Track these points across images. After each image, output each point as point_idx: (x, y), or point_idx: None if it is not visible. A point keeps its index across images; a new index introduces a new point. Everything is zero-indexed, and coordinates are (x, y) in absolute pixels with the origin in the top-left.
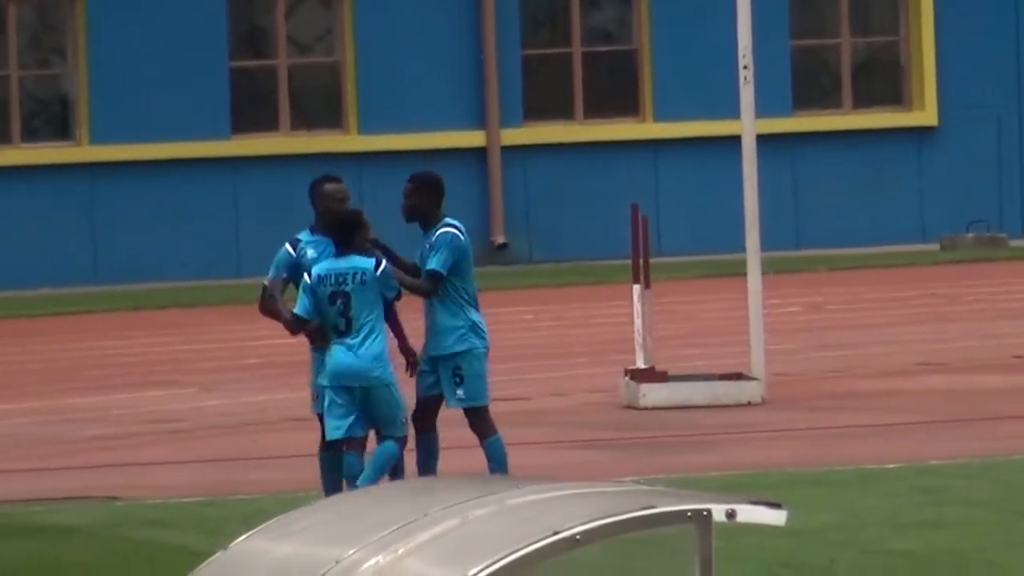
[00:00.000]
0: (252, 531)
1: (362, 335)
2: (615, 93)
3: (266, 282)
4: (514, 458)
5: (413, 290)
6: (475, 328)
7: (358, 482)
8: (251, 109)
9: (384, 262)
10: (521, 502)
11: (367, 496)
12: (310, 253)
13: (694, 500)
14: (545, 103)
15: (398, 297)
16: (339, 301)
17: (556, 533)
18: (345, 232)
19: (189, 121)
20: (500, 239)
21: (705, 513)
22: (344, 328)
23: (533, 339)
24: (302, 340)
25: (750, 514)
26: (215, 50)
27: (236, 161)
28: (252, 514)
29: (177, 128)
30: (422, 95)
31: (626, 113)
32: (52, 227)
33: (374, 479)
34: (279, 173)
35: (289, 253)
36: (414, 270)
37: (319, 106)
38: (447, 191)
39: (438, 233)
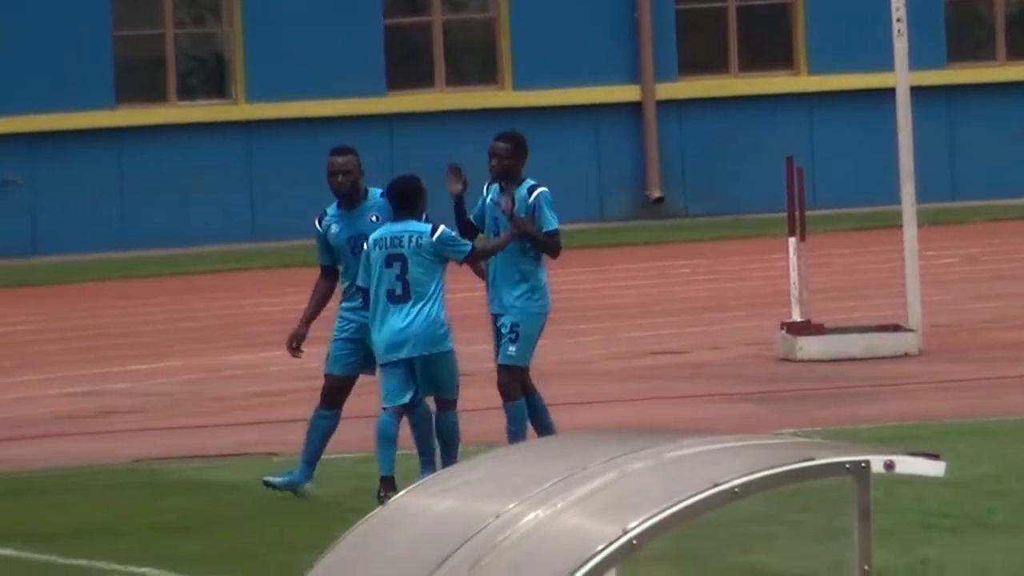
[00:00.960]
0: (410, 487)
1: (420, 301)
2: (769, 46)
3: (320, 262)
4: (673, 412)
5: (546, 248)
6: (543, 289)
7: (422, 473)
8: (406, 66)
9: (441, 228)
10: (680, 455)
11: (525, 451)
12: (333, 228)
13: (852, 452)
14: (700, 57)
15: (469, 259)
16: (396, 264)
17: (715, 486)
18: (402, 198)
19: (345, 78)
20: (656, 193)
21: (863, 465)
22: (401, 293)
23: (690, 293)
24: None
25: (909, 465)
26: (370, 7)
27: (391, 118)
28: (411, 470)
29: (333, 85)
30: (577, 50)
31: (780, 66)
32: (209, 185)
33: (453, 457)
34: (434, 129)
35: (317, 227)
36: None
37: (474, 62)
38: (604, 146)
39: (538, 192)
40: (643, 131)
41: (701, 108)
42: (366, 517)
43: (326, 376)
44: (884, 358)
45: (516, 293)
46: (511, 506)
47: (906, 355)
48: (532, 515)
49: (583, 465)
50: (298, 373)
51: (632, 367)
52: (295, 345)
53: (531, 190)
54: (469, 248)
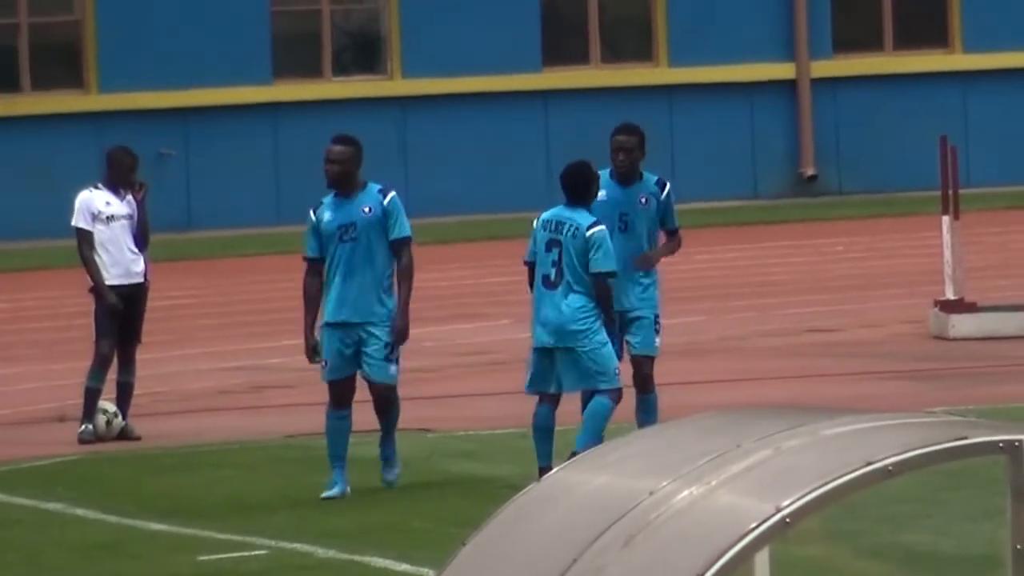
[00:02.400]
0: (566, 462)
1: (570, 290)
2: (924, 24)
3: (304, 254)
4: (826, 390)
5: (676, 249)
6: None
7: (575, 448)
8: (561, 42)
9: (598, 228)
10: (833, 433)
11: (680, 428)
12: (326, 216)
13: (1006, 431)
14: (854, 35)
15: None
16: (554, 250)
17: (869, 464)
18: (572, 184)
19: (499, 55)
20: (810, 171)
21: (1017, 444)
22: (554, 279)
23: (843, 270)
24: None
25: None
26: None
27: (546, 94)
28: (565, 446)
29: (488, 62)
30: (732, 27)
31: (935, 44)
32: (365, 160)
33: (596, 438)
34: (589, 106)
35: (311, 217)
36: None
37: (629, 39)
38: (758, 124)
39: (668, 189)
40: (797, 109)
41: (855, 86)
42: (521, 492)
43: (329, 384)
44: None
45: (643, 286)
46: (665, 483)
47: None
48: (686, 492)
49: (737, 443)
50: (452, 349)
51: (787, 344)
52: (316, 358)
53: (661, 184)
54: (609, 268)
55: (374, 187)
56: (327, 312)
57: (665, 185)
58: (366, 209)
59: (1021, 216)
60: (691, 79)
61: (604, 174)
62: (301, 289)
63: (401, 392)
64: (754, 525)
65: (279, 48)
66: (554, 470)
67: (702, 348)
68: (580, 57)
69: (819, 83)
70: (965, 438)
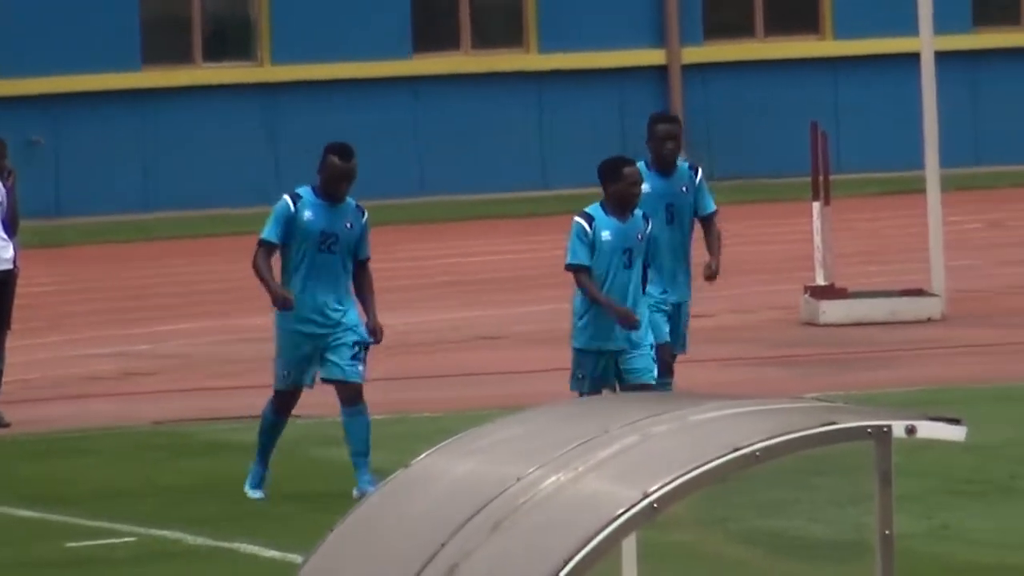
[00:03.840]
0: (433, 448)
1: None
2: (795, 10)
3: (264, 237)
4: (696, 375)
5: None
6: None
7: None
8: (431, 28)
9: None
10: (701, 419)
11: (548, 414)
12: (307, 215)
13: (874, 416)
14: (725, 21)
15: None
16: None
17: (736, 450)
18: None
19: (369, 41)
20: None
21: (885, 429)
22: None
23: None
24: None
25: (930, 430)
26: None
27: (416, 80)
28: (435, 432)
29: (358, 48)
30: (602, 13)
31: (806, 30)
32: (232, 147)
33: None
34: (459, 92)
35: (288, 207)
36: None
37: (499, 25)
38: (629, 110)
39: (700, 173)
40: (668, 95)
41: (726, 72)
42: (387, 478)
43: (283, 392)
44: (907, 323)
45: (688, 279)
46: (533, 469)
47: (929, 320)
48: (553, 478)
49: (605, 429)
50: None
51: None
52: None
53: (694, 169)
54: (567, 262)
55: (351, 200)
56: (295, 318)
57: (698, 170)
58: (348, 224)
59: (891, 202)
60: (561, 65)
61: (640, 166)
62: (256, 269)
63: (268, 379)
64: (622, 511)
65: (148, 34)
66: (421, 456)
67: (567, 335)
68: (450, 43)
69: (690, 69)
70: (833, 423)
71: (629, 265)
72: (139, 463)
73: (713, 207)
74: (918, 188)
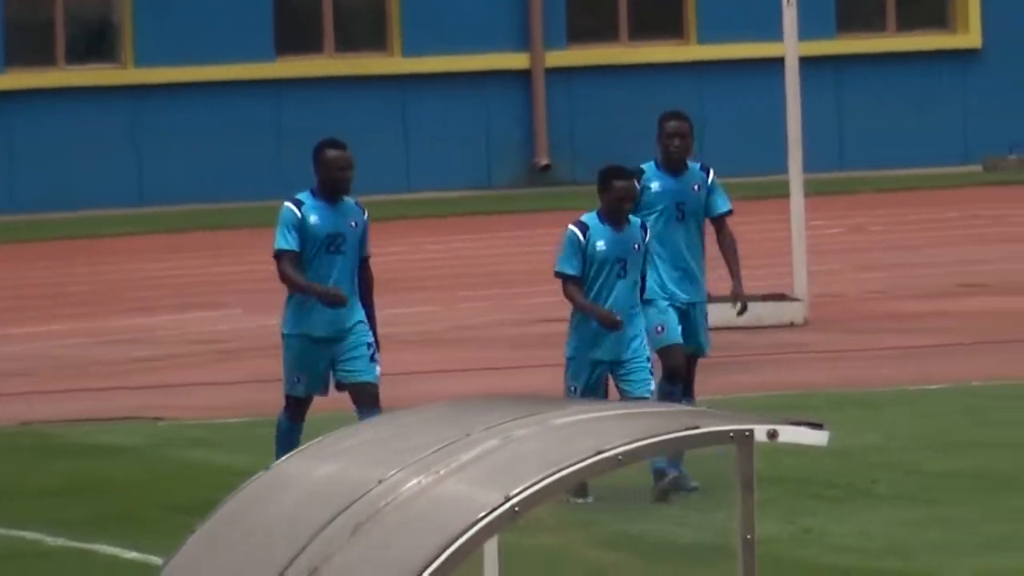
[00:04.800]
0: (295, 451)
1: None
2: (659, 15)
3: (284, 247)
4: (558, 380)
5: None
6: None
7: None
8: (295, 31)
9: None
10: (564, 422)
11: (411, 417)
12: (312, 219)
13: (736, 420)
14: (589, 25)
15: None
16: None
17: (599, 453)
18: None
19: (233, 44)
20: (543, 161)
21: (747, 433)
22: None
23: None
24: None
25: (792, 435)
26: None
27: (279, 83)
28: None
29: (221, 50)
30: (466, 17)
31: (670, 35)
32: (96, 149)
33: None
34: (322, 96)
35: (294, 213)
36: None
37: (363, 28)
38: (493, 113)
39: (713, 175)
40: (531, 99)
41: (590, 76)
42: (249, 480)
43: (298, 398)
44: (770, 327)
45: (702, 278)
46: (394, 472)
47: (792, 324)
48: (415, 481)
49: (467, 432)
50: (185, 338)
51: (521, 334)
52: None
53: (705, 169)
54: (555, 269)
55: (350, 199)
56: (309, 325)
57: (709, 171)
58: (352, 223)
59: (757, 207)
60: (425, 69)
61: (649, 166)
62: (289, 279)
63: (132, 381)
64: (483, 514)
65: (11, 36)
66: (282, 458)
67: (434, 338)
68: (314, 46)
69: (553, 73)
70: (695, 427)
71: (623, 275)
72: (4, 464)
73: (727, 207)
74: (782, 193)
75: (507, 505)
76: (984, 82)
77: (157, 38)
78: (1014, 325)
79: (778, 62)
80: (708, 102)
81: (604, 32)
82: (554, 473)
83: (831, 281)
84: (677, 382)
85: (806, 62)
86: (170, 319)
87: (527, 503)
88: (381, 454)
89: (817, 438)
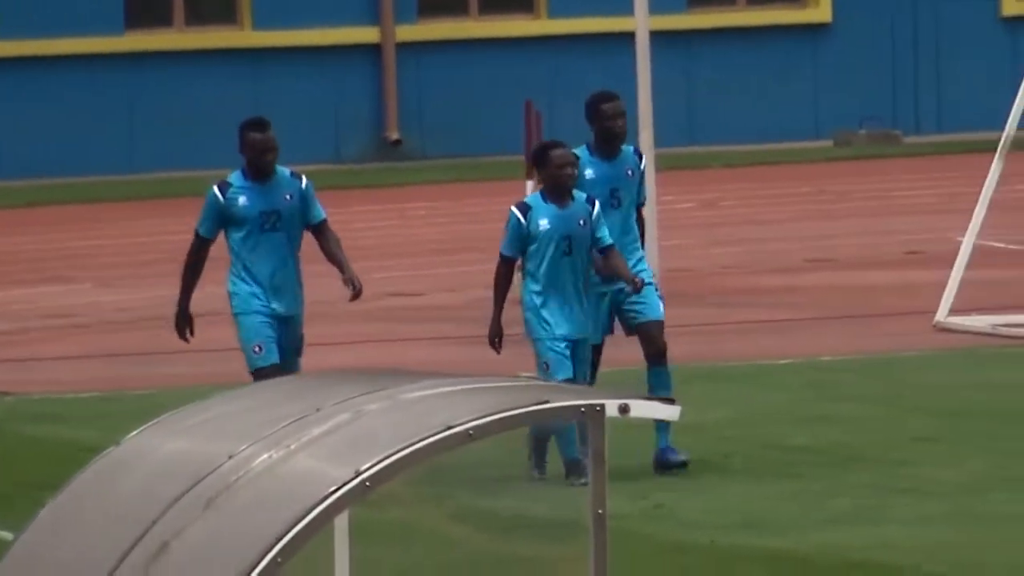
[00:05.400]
0: (145, 425)
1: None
2: None
3: (198, 229)
4: (409, 354)
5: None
6: None
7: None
8: (145, 5)
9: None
10: (414, 397)
11: (261, 392)
12: (241, 201)
13: (587, 395)
14: (440, 0)
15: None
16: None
17: (449, 428)
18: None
19: (82, 17)
20: (394, 135)
21: (598, 408)
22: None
23: (427, 235)
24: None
25: (644, 409)
26: None
27: (129, 57)
28: (149, 409)
29: (70, 24)
30: None
31: (521, 9)
32: None
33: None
34: (173, 69)
35: (217, 198)
36: None
37: (213, 1)
38: (343, 87)
39: (645, 161)
40: (382, 73)
41: (440, 51)
42: (100, 455)
43: (262, 371)
44: None
45: (638, 255)
46: (244, 447)
47: None
48: (265, 456)
49: (317, 406)
50: (36, 312)
51: (371, 309)
52: (190, 332)
53: (638, 154)
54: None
55: (284, 171)
56: (261, 303)
57: (642, 156)
58: (287, 196)
59: None
60: (275, 42)
61: (582, 151)
62: (184, 266)
63: (12, 352)
64: (334, 488)
65: None
66: (134, 433)
67: None
68: (164, 20)
69: (404, 47)
70: (547, 402)
71: (569, 252)
72: None
73: (644, 199)
74: None
75: (357, 480)
76: (834, 57)
77: (4, 10)
78: (863, 300)
79: (629, 37)
80: (559, 76)
81: (455, 6)
82: (405, 448)
83: (682, 256)
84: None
85: (657, 37)
86: (22, 293)
87: (378, 478)
88: (232, 429)
89: (669, 412)
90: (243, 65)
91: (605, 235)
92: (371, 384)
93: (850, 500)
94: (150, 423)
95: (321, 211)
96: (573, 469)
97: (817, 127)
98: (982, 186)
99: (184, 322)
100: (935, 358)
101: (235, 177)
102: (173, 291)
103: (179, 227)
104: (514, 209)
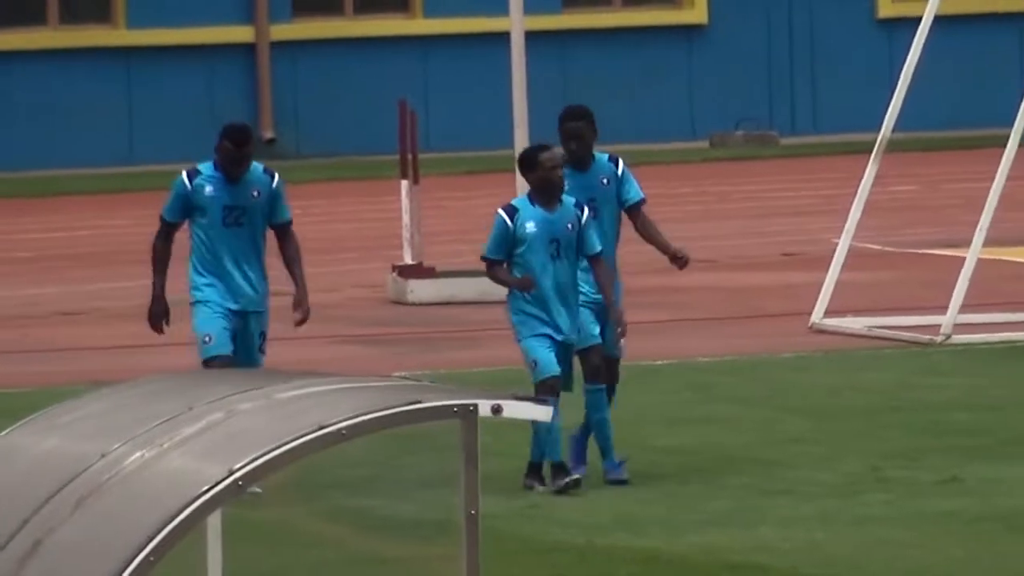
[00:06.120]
0: (16, 424)
1: None
2: None
3: (163, 214)
4: (283, 353)
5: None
6: None
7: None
8: (17, 3)
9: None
10: (287, 396)
11: (133, 390)
12: (207, 190)
13: (460, 395)
14: None
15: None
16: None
17: (322, 428)
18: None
19: None
20: (268, 134)
21: (471, 408)
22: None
23: (301, 234)
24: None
25: (516, 410)
26: None
27: (3, 56)
28: (20, 408)
29: None
30: None
31: (395, 9)
32: None
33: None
34: (45, 69)
35: (184, 184)
36: None
37: (87, 0)
38: (217, 87)
39: (623, 165)
40: (256, 72)
41: (315, 49)
42: None
43: (212, 360)
44: (496, 302)
45: (616, 276)
46: (117, 446)
47: None
48: (138, 455)
49: (190, 405)
50: None
51: None
52: (166, 322)
53: (614, 160)
54: (483, 256)
55: (258, 166)
56: (218, 296)
57: (618, 161)
58: (255, 193)
59: (480, 181)
60: (150, 41)
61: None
62: (152, 252)
63: None
64: (206, 488)
65: None
66: (3, 432)
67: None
68: (38, 19)
69: (278, 46)
70: (419, 402)
71: (557, 255)
72: None
73: (641, 195)
74: (507, 167)
75: (230, 479)
76: (710, 58)
77: None
78: (740, 301)
79: (504, 37)
80: (433, 75)
81: (329, 5)
82: (277, 447)
83: None
84: (598, 382)
85: (532, 37)
86: None
87: (250, 477)
88: (103, 427)
89: (542, 413)
90: (117, 64)
91: (594, 242)
92: (244, 383)
93: (726, 502)
94: (21, 421)
95: (287, 212)
96: (557, 473)
97: (693, 128)
98: (858, 188)
99: (160, 311)
100: (811, 360)
101: (206, 166)
102: (38, 290)
103: (53, 224)
104: (501, 211)
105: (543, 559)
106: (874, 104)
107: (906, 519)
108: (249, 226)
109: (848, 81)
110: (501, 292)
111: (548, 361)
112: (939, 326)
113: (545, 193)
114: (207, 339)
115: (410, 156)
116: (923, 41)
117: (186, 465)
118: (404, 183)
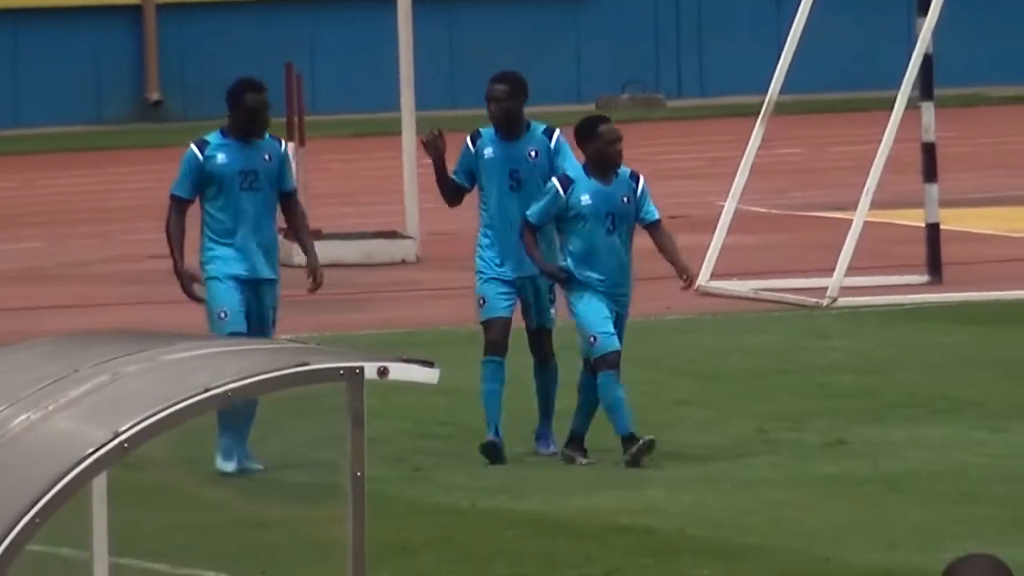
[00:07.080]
0: None
1: None
2: None
3: (174, 191)
4: (163, 316)
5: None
6: None
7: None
8: None
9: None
10: (173, 359)
11: (19, 353)
12: (220, 158)
13: (346, 358)
14: None
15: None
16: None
17: (207, 390)
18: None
19: None
20: (155, 96)
21: (357, 371)
22: None
23: None
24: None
25: (402, 372)
26: None
27: None
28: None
29: None
30: None
31: None
32: None
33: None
34: None
35: (196, 155)
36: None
37: None
38: (104, 48)
39: (558, 137)
40: (143, 34)
41: (202, 12)
42: None
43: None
44: (381, 265)
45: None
46: (2, 408)
47: (404, 262)
48: (23, 417)
49: (75, 368)
50: None
51: (129, 271)
52: (199, 285)
53: (548, 133)
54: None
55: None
56: (231, 266)
57: (553, 133)
58: (267, 157)
59: (365, 144)
60: (35, 3)
61: (488, 131)
62: (167, 231)
63: None
64: (91, 450)
65: None
66: None
67: (42, 274)
68: None
69: (165, 8)
70: (306, 364)
71: (613, 230)
72: None
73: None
74: (394, 130)
75: (116, 441)
76: (597, 21)
77: None
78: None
79: (391, 0)
80: (320, 38)
81: None
82: (163, 410)
83: (443, 219)
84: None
85: (419, 1)
86: None
87: (136, 440)
88: None
89: (428, 375)
90: (4, 26)
91: (652, 210)
92: (130, 346)
93: (612, 464)
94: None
95: (293, 180)
96: (628, 443)
97: (580, 91)
98: (744, 150)
99: (189, 283)
100: (697, 322)
101: (213, 136)
102: None
103: None
104: (555, 180)
105: (429, 521)
106: (761, 67)
107: (793, 481)
108: (263, 191)
109: (735, 44)
110: (388, 255)
111: (606, 338)
112: (825, 289)
113: (601, 166)
114: (222, 315)
115: (296, 119)
116: (811, 2)
117: (71, 427)
118: (290, 145)
